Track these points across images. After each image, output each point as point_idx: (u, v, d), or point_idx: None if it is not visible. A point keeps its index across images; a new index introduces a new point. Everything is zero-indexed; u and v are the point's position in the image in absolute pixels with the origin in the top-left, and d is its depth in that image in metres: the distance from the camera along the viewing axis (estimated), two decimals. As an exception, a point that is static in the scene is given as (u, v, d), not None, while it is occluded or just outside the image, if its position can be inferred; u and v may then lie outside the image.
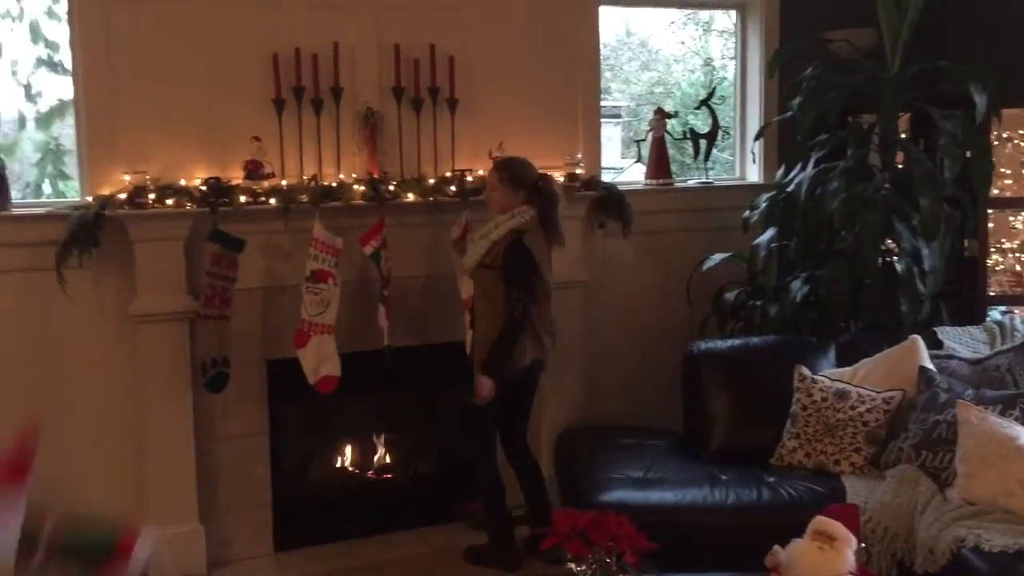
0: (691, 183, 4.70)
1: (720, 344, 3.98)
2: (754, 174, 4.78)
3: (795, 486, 3.39)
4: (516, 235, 3.57)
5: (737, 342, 4.01)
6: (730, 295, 4.30)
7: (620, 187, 4.33)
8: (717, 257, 4.31)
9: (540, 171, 3.72)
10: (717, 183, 4.76)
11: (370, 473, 4.13)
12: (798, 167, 4.17)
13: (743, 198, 4.45)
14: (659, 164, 4.51)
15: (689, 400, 3.93)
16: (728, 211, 4.46)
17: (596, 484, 3.46)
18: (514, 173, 3.64)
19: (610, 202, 4.24)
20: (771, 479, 3.45)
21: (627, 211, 4.24)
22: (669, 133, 4.58)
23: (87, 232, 3.49)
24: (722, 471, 3.52)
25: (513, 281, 3.55)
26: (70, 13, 3.69)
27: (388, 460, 4.19)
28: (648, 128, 4.59)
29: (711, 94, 4.67)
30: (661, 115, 4.52)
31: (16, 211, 3.64)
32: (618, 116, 6.46)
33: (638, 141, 4.68)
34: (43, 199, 4.11)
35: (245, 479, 3.88)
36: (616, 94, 6.61)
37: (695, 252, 4.42)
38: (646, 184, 4.56)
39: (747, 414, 3.76)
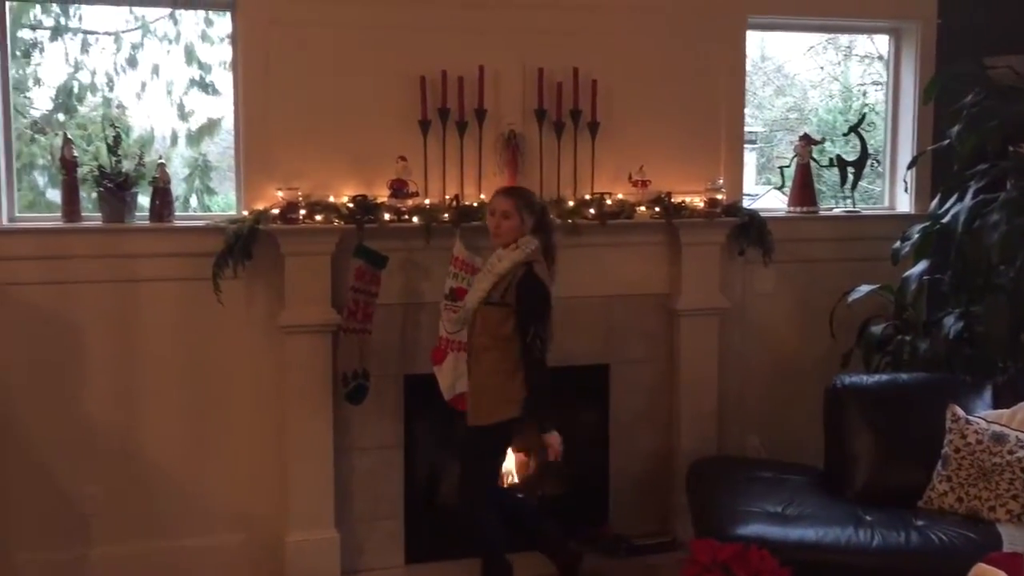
0: (837, 211, 4.55)
1: (866, 379, 3.81)
2: (904, 204, 4.59)
3: (946, 531, 3.20)
4: (526, 267, 3.38)
5: (885, 378, 3.84)
6: (876, 328, 4.14)
7: (762, 214, 4.24)
8: (864, 289, 4.15)
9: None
10: (865, 212, 4.59)
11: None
12: (954, 198, 3.98)
13: (892, 228, 4.28)
14: (804, 191, 4.39)
15: (832, 436, 3.77)
16: (876, 241, 4.30)
17: (732, 517, 3.36)
18: (528, 200, 3.48)
19: (751, 229, 4.15)
20: (919, 523, 3.28)
21: (769, 238, 4.15)
22: (815, 160, 4.45)
23: (242, 245, 3.66)
24: (866, 511, 3.37)
25: (531, 318, 3.34)
26: (233, 36, 3.90)
27: (517, 480, 4.19)
28: (793, 154, 4.48)
29: (861, 120, 4.52)
30: (807, 141, 4.41)
31: (177, 223, 3.85)
32: (752, 142, 6.35)
33: (781, 167, 4.57)
34: (188, 212, 4.32)
35: (379, 490, 3.95)
36: (749, 119, 6.50)
37: (839, 283, 4.28)
38: (789, 211, 4.45)
39: (894, 453, 3.59)
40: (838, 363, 4.18)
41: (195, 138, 4.95)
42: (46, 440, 3.70)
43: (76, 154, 3.76)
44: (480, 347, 3.43)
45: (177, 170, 4.65)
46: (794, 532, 3.25)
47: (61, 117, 4.76)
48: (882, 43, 5.58)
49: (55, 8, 4.49)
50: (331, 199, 3.78)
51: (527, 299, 3.35)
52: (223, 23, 4.48)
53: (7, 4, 3.70)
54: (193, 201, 4.77)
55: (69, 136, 3.82)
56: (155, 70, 4.77)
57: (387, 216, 3.77)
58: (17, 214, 3.79)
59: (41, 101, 4.69)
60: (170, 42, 4.90)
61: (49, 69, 4.67)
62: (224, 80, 4.70)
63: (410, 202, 3.81)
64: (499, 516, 3.54)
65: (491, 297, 3.39)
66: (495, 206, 3.47)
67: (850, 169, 4.49)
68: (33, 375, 3.67)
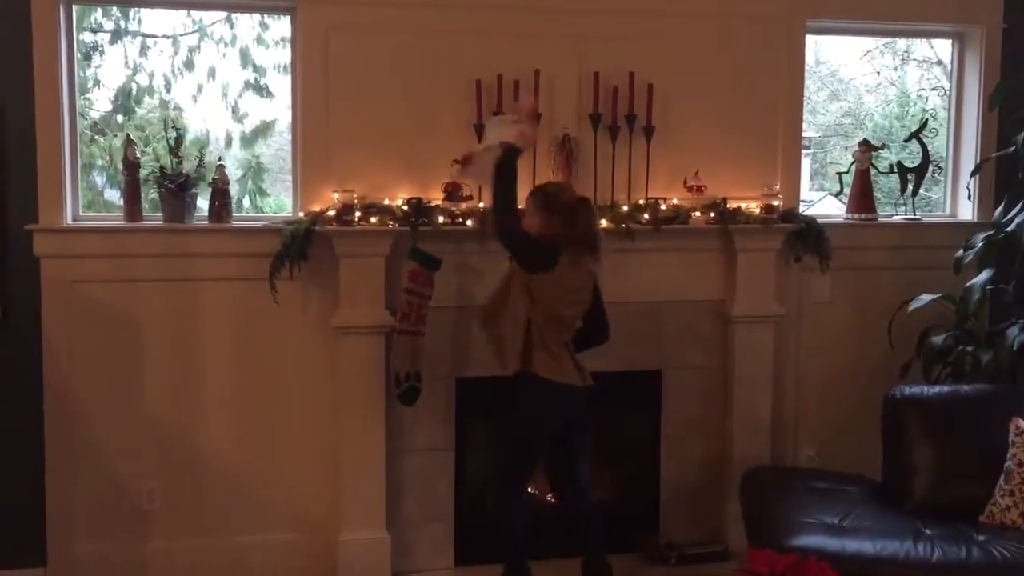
0: (896, 219, 4.47)
1: (926, 390, 3.74)
2: (967, 212, 4.50)
3: (1009, 547, 3.13)
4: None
5: (945, 389, 3.76)
6: (937, 339, 4.05)
7: (819, 220, 4.18)
8: (925, 298, 4.06)
9: (580, 196, 3.47)
10: (926, 220, 4.51)
11: (550, 496, 4.13)
12: (1019, 206, 3.89)
13: (954, 236, 4.20)
14: (863, 198, 4.32)
15: (890, 447, 3.70)
16: (937, 250, 4.21)
17: (788, 527, 3.31)
18: (548, 199, 3.40)
19: (808, 235, 4.09)
20: (981, 538, 3.22)
21: (826, 245, 4.08)
22: (874, 166, 4.38)
23: (299, 246, 3.69)
24: (926, 525, 3.31)
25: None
26: (292, 40, 3.94)
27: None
28: (852, 160, 4.41)
29: (923, 126, 4.43)
30: (867, 147, 4.33)
31: (235, 224, 3.90)
32: (806, 147, 6.28)
33: (840, 173, 4.50)
34: (241, 213, 4.37)
35: (430, 492, 3.97)
36: (803, 124, 6.42)
37: (898, 291, 4.20)
38: (847, 218, 4.38)
39: (955, 466, 3.52)
40: (896, 373, 4.10)
41: (249, 140, 5.04)
42: (107, 434, 3.77)
43: (138, 155, 3.83)
44: (493, 311, 3.46)
45: (231, 172, 4.74)
46: (852, 544, 3.20)
47: (119, 119, 4.86)
48: (941, 48, 5.50)
49: (115, 11, 4.58)
50: (386, 201, 3.80)
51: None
52: (278, 27, 4.55)
53: (73, 7, 3.77)
54: (246, 202, 4.84)
55: (132, 137, 3.88)
56: (211, 73, 4.86)
57: (441, 219, 3.79)
58: (81, 213, 3.86)
59: (100, 103, 4.80)
60: (226, 45, 4.99)
61: (109, 71, 4.77)
62: (278, 83, 4.77)
63: (464, 205, 3.82)
64: (529, 519, 3.49)
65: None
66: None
67: (910, 176, 4.41)
68: (96, 370, 3.74)
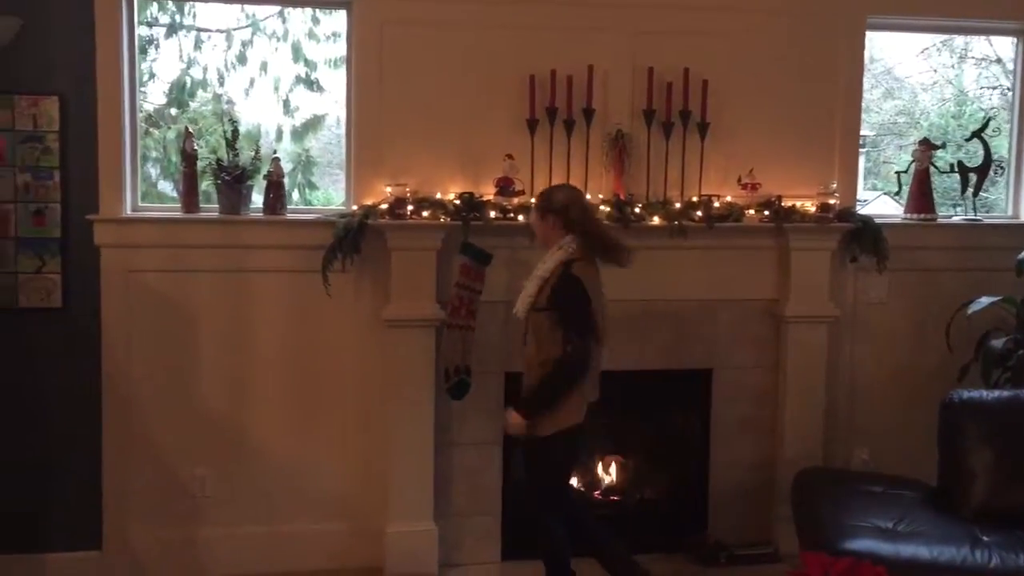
0: (956, 219, 4.38)
1: (985, 395, 3.66)
2: (1029, 213, 4.41)
3: (1069, 557, 3.06)
4: (564, 266, 3.23)
5: (1005, 394, 3.67)
6: (997, 342, 3.97)
7: (876, 220, 4.11)
8: (985, 300, 3.97)
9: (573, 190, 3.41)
10: (987, 221, 4.40)
11: (596, 493, 4.12)
12: (1085, 207, 3.79)
13: (1016, 238, 4.13)
14: (922, 198, 4.23)
15: (947, 452, 3.63)
16: (998, 251, 4.14)
17: (841, 531, 3.26)
18: (547, 199, 3.34)
19: (865, 235, 4.03)
20: (1040, 546, 3.14)
21: (883, 245, 4.01)
22: (934, 165, 4.29)
23: (351, 239, 3.72)
24: (983, 531, 3.25)
25: (567, 316, 3.17)
26: (348, 34, 3.96)
27: (616, 482, 4.16)
28: (911, 159, 4.33)
29: (984, 125, 4.34)
30: (927, 146, 4.25)
31: (289, 216, 3.93)
32: (860, 146, 6.18)
33: (898, 172, 4.42)
34: (291, 206, 4.40)
35: (477, 486, 3.98)
36: (855, 123, 6.31)
37: (958, 294, 4.12)
38: (905, 218, 4.30)
39: (1014, 473, 3.43)
40: (954, 377, 4.02)
41: (299, 134, 5.08)
42: (162, 422, 3.84)
43: (196, 147, 3.88)
44: (532, 356, 3.28)
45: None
46: (907, 549, 3.15)
47: (173, 112, 4.93)
48: (1001, 45, 5.37)
49: (171, 6, 4.64)
50: (438, 196, 3.81)
51: (561, 297, 3.19)
52: (329, 21, 4.58)
53: (134, 1, 3.82)
54: (295, 195, 4.88)
55: (191, 130, 3.93)
56: (263, 67, 4.91)
57: (493, 214, 3.79)
58: (140, 204, 3.92)
59: (155, 96, 4.87)
60: (278, 40, 5.04)
61: (163, 65, 4.84)
62: (328, 78, 4.81)
63: (516, 200, 3.82)
64: (567, 522, 3.42)
65: (538, 303, 3.24)
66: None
67: (971, 175, 4.32)
68: (152, 359, 3.81)
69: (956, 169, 4.37)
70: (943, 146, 4.45)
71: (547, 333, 3.21)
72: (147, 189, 4.49)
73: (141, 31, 4.17)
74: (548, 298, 3.22)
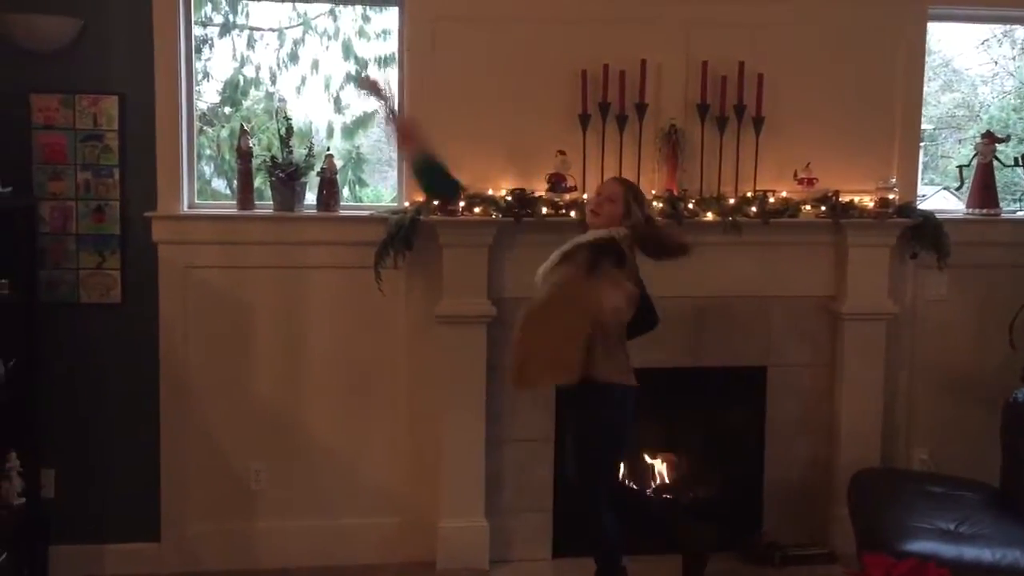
0: (1021, 214, 4.28)
1: (1050, 394, 3.57)
2: (1096, 208, 4.28)
3: None
4: (609, 240, 3.17)
5: (1071, 393, 3.58)
6: (1062, 340, 3.86)
7: (937, 215, 4.02)
8: (1050, 297, 3.88)
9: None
10: (1052, 216, 4.30)
11: (648, 492, 4.09)
12: None
13: (1083, 234, 4.00)
14: (984, 192, 4.13)
15: (1010, 453, 3.55)
16: (1065, 247, 4.02)
17: (900, 532, 3.20)
18: (638, 194, 3.30)
19: (926, 231, 3.94)
20: (1107, 550, 3.05)
21: (945, 241, 3.93)
22: (998, 159, 4.19)
23: (403, 235, 3.73)
24: (1049, 535, 3.16)
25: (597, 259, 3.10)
26: (400, 30, 3.97)
27: (668, 480, 4.13)
28: (973, 153, 4.23)
29: (1051, 117, 4.23)
30: (991, 139, 4.14)
31: (343, 213, 3.95)
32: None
33: (960, 167, 4.32)
34: (343, 203, 4.43)
35: (529, 482, 3.97)
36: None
37: (1021, 290, 4.03)
38: (967, 213, 4.20)
39: (1081, 475, 3.35)
40: (1018, 376, 3.92)
41: (350, 131, 5.12)
42: (218, 415, 3.89)
43: (252, 144, 3.92)
44: (545, 311, 3.15)
45: (333, 162, 4.83)
46: (969, 551, 3.09)
47: (227, 110, 4.99)
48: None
49: (224, 5, 4.70)
50: (490, 192, 3.80)
51: (595, 253, 3.12)
52: (380, 19, 4.60)
53: (191, 1, 3.88)
54: (345, 192, 4.92)
55: (246, 127, 3.97)
56: (314, 65, 4.95)
57: (544, 210, 3.77)
58: (196, 201, 3.98)
59: (208, 94, 4.94)
60: (329, 38, 5.08)
61: (217, 64, 4.91)
62: (379, 75, 4.82)
63: (568, 196, 3.80)
64: (618, 516, 3.39)
65: (565, 258, 3.17)
66: (603, 188, 3.34)
67: (1038, 169, 4.22)
68: (209, 353, 3.86)
69: (1020, 163, 4.25)
70: (1008, 139, 4.33)
71: (563, 281, 3.11)
72: (201, 187, 4.55)
73: (196, 31, 4.22)
74: (582, 255, 3.13)
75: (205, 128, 4.72)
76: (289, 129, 3.93)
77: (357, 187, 5.07)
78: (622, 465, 3.82)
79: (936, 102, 6.41)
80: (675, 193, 3.85)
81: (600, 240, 3.18)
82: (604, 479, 3.38)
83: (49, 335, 3.69)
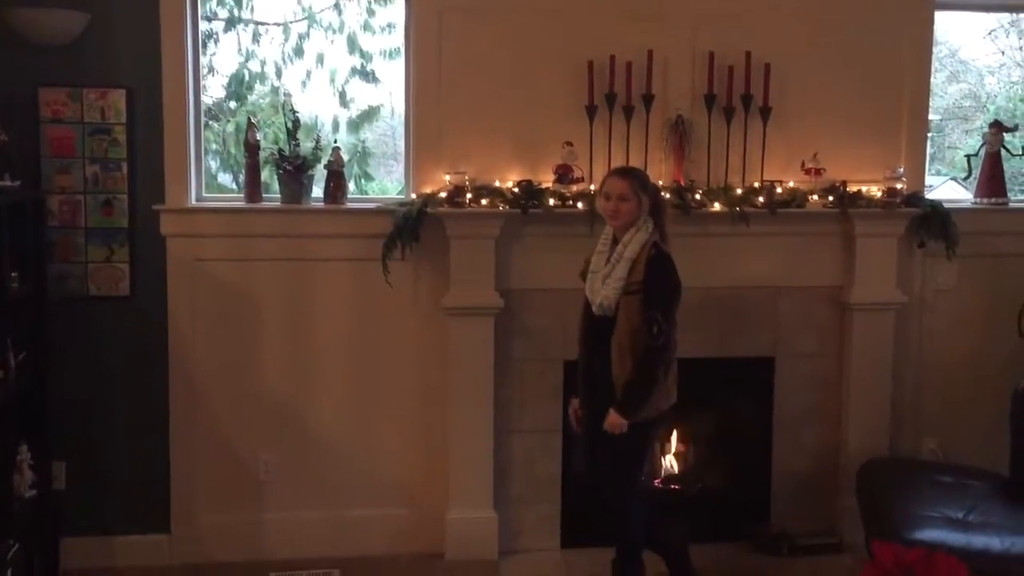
0: (1029, 203, 4.27)
1: (1059, 382, 3.57)
2: (1104, 197, 4.27)
3: None
4: (654, 247, 3.18)
5: (1080, 382, 3.58)
6: (1071, 329, 3.86)
7: (945, 204, 4.01)
8: (1058, 286, 3.88)
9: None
10: (1060, 205, 4.29)
11: (656, 481, 4.10)
12: None
13: (1091, 223, 3.99)
14: (992, 181, 4.12)
15: (1019, 442, 3.55)
16: (1073, 237, 4.01)
17: (910, 521, 3.21)
18: (644, 181, 3.28)
19: (934, 220, 3.93)
20: (1117, 538, 3.06)
21: (953, 230, 3.92)
22: (1006, 148, 4.18)
23: (411, 227, 3.73)
24: (1058, 523, 3.17)
25: (659, 300, 3.11)
26: (406, 22, 3.97)
27: (676, 471, 4.14)
28: (981, 142, 4.22)
29: (1057, 106, 4.22)
30: (998, 128, 4.13)
31: (350, 205, 3.96)
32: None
33: (968, 156, 4.31)
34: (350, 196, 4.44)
35: (537, 474, 3.98)
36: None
37: (1030, 279, 4.02)
38: (975, 202, 4.19)
39: (1090, 464, 3.35)
40: (1026, 365, 3.94)
41: (355, 125, 5.12)
42: (227, 407, 3.90)
43: (259, 138, 3.93)
44: (624, 343, 3.16)
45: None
46: (978, 540, 3.10)
47: (232, 105, 5.00)
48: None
49: (229, 0, 4.71)
50: (497, 184, 3.80)
51: (658, 279, 3.14)
52: (384, 13, 4.60)
53: (198, -6, 3.89)
54: (351, 186, 4.93)
55: (254, 121, 3.98)
56: (319, 59, 4.96)
57: (552, 201, 3.77)
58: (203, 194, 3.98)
59: (214, 89, 4.94)
60: (334, 32, 5.08)
61: (222, 59, 4.92)
62: (383, 69, 4.83)
63: (575, 188, 3.80)
64: (647, 514, 3.41)
65: (630, 285, 3.16)
66: (611, 189, 3.25)
67: (1046, 158, 4.21)
68: (217, 346, 3.87)
69: (1030, 152, 4.25)
70: (1016, 128, 4.32)
71: (639, 316, 3.13)
72: (207, 181, 4.56)
73: (201, 25, 4.23)
74: (642, 279, 3.14)
75: (211, 123, 4.73)
76: (296, 122, 3.93)
77: (363, 181, 5.08)
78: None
79: (943, 93, 6.39)
80: (682, 184, 3.84)
81: (652, 260, 3.16)
82: (636, 476, 3.38)
83: (58, 328, 3.71)
